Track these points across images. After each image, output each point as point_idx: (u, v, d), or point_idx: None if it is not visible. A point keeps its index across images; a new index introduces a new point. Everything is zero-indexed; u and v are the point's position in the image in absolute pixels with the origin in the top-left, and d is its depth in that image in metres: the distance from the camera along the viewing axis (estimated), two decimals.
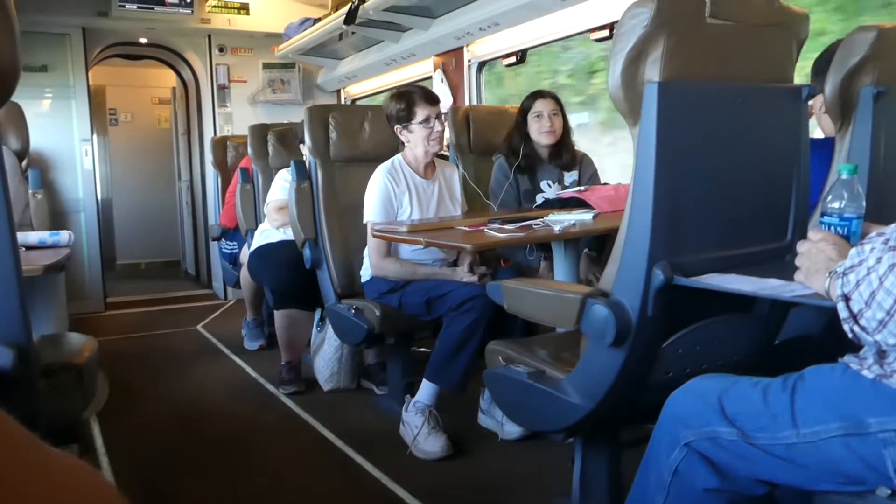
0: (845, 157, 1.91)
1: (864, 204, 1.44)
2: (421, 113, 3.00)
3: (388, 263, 3.01)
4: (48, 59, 5.79)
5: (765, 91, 1.82)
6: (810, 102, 2.03)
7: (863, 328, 1.14)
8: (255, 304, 4.67)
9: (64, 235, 2.71)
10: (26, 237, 2.68)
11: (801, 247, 1.37)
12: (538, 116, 3.36)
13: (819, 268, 1.30)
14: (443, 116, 3.08)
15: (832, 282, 1.22)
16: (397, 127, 3.07)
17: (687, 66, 1.65)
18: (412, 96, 3.02)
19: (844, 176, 1.45)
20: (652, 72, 1.62)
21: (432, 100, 3.04)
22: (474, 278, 2.86)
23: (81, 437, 2.89)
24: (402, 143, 3.13)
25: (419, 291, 2.93)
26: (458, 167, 3.37)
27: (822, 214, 1.46)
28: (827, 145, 2.00)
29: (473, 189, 3.50)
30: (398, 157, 3.15)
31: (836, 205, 1.44)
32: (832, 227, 1.43)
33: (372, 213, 3.04)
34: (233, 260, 5.19)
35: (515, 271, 3.28)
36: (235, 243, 5.13)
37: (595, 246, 3.23)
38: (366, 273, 3.15)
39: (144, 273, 8.28)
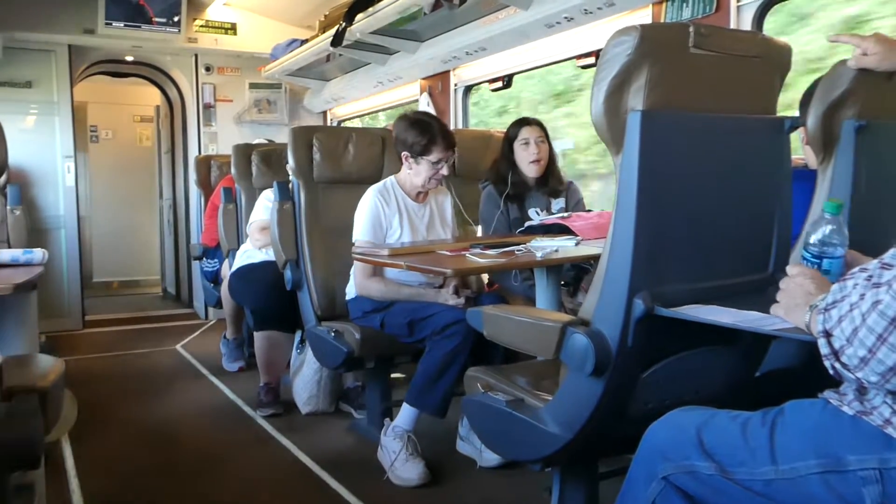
0: (827, 190, 1.91)
1: (846, 243, 1.43)
2: (436, 154, 2.98)
3: (373, 283, 2.98)
4: (33, 74, 5.77)
5: (747, 122, 1.81)
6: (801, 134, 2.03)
7: (844, 365, 1.12)
8: (236, 323, 4.61)
9: (38, 253, 2.65)
10: None
11: (782, 283, 1.36)
12: (525, 144, 3.35)
13: (798, 302, 1.29)
14: (452, 160, 3.06)
15: (813, 316, 1.21)
16: (405, 153, 3.03)
17: (670, 95, 1.64)
18: (434, 136, 2.97)
19: (828, 215, 1.43)
20: (635, 100, 1.62)
21: (450, 144, 3.01)
22: (460, 301, 2.83)
23: (51, 460, 2.83)
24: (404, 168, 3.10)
25: (402, 312, 2.90)
26: (451, 193, 3.34)
27: (804, 249, 1.45)
28: (810, 177, 2.00)
29: (459, 213, 3.47)
30: (391, 178, 3.13)
31: (817, 243, 1.42)
32: (812, 265, 1.42)
33: (360, 232, 3.01)
34: (213, 278, 5.15)
35: (499, 296, 3.25)
36: (216, 260, 5.10)
37: (571, 278, 3.20)
38: (351, 291, 3.11)
39: (119, 291, 8.21)
